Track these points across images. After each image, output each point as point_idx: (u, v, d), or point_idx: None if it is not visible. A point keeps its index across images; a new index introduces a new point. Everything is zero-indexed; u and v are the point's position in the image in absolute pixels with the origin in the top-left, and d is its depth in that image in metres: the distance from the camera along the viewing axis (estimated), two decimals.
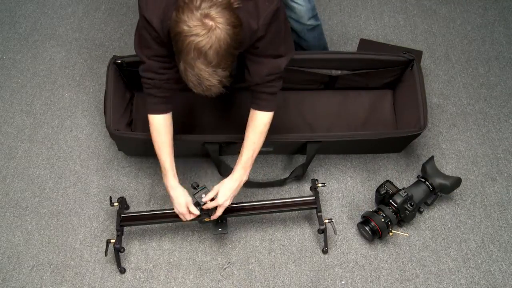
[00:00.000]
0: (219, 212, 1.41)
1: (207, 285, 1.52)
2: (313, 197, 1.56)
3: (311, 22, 1.69)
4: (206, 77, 1.12)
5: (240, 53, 1.24)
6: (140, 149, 1.73)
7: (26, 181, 1.73)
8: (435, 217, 1.64)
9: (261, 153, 1.74)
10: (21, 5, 2.21)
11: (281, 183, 1.68)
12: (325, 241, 1.54)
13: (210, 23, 1.06)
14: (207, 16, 1.05)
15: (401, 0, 2.22)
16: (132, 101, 1.81)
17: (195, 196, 1.42)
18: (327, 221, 1.51)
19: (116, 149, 1.76)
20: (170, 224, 1.63)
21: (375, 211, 1.55)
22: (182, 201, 1.40)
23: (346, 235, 1.61)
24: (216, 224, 1.50)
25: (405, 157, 1.77)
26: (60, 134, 1.84)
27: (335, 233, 1.58)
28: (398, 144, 1.72)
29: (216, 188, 1.41)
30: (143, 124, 1.77)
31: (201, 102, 1.83)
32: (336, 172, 1.74)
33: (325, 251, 1.56)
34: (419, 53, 1.98)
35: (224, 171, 1.66)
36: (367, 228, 1.53)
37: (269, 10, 1.20)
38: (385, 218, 1.51)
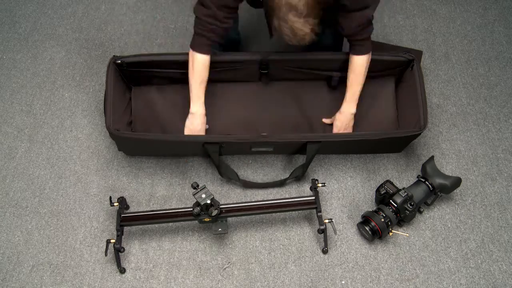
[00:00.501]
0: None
1: (207, 285, 1.52)
2: (313, 197, 1.56)
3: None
4: (299, 27, 1.24)
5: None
6: (140, 149, 1.73)
7: (26, 181, 1.73)
8: (435, 217, 1.64)
9: (260, 153, 1.75)
10: (21, 5, 2.21)
11: (281, 183, 1.68)
12: (325, 241, 1.54)
13: None
14: None
15: (401, 0, 2.22)
16: (132, 101, 1.81)
17: (195, 196, 1.42)
18: (327, 221, 1.51)
19: (116, 149, 1.76)
20: (170, 224, 1.62)
21: (375, 211, 1.55)
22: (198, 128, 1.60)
23: (346, 235, 1.61)
24: (216, 224, 1.50)
25: (405, 157, 1.77)
26: (60, 134, 1.84)
27: (335, 233, 1.58)
28: (398, 144, 1.72)
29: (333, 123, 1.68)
30: (143, 124, 1.77)
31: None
32: (336, 172, 1.74)
33: (325, 251, 1.56)
34: (419, 53, 1.98)
35: (224, 172, 1.67)
36: (367, 228, 1.53)
37: None
38: (385, 218, 1.51)
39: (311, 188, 1.64)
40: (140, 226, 1.61)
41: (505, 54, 2.03)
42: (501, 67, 1.99)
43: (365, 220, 1.55)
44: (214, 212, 1.44)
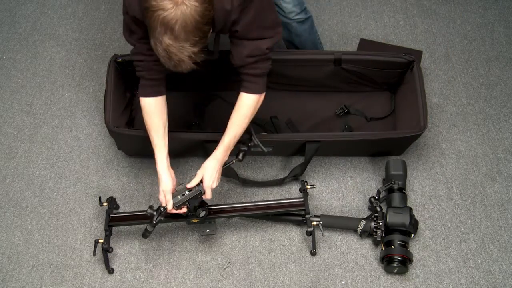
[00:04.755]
0: (208, 195, 1.40)
1: (207, 285, 1.52)
2: (302, 199, 1.55)
3: (301, 16, 1.68)
4: (174, 52, 1.12)
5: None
6: (140, 148, 1.72)
7: (26, 181, 1.73)
8: (435, 217, 1.64)
9: (260, 153, 1.75)
10: (21, 5, 2.21)
11: (279, 182, 1.68)
12: (313, 243, 1.53)
13: None
14: None
15: (401, 0, 2.22)
16: (132, 101, 1.81)
17: (177, 189, 1.39)
18: (315, 223, 1.50)
19: (116, 149, 1.76)
20: (170, 224, 1.62)
21: (386, 244, 1.49)
22: (163, 187, 1.38)
23: (346, 235, 1.60)
24: (204, 225, 1.50)
25: (405, 158, 1.76)
26: (60, 134, 1.84)
27: (323, 235, 1.56)
28: (398, 146, 1.71)
29: (200, 173, 1.39)
30: (142, 124, 1.77)
31: (202, 102, 1.83)
32: (336, 172, 1.74)
33: (313, 253, 1.55)
34: (419, 53, 1.98)
35: (223, 170, 1.66)
36: (395, 264, 1.45)
37: None
38: (400, 243, 1.46)
39: (300, 190, 1.63)
40: (140, 226, 1.61)
41: (505, 54, 2.03)
42: (501, 67, 1.99)
43: (388, 259, 1.47)
44: (202, 213, 1.44)
